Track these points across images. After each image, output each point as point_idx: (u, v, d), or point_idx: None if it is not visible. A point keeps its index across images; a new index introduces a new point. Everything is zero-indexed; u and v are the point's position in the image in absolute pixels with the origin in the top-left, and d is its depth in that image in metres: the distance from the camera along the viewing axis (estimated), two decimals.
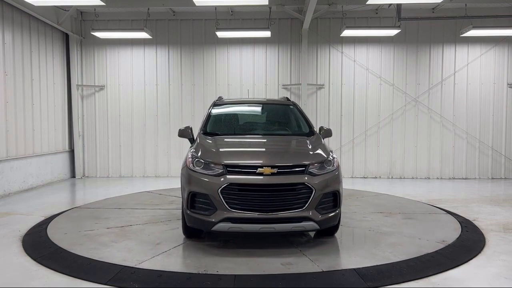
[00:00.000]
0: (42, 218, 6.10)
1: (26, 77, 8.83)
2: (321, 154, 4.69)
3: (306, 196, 4.30)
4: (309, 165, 4.44)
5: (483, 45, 10.42)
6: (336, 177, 4.59)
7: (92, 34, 9.88)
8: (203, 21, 10.55)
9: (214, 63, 10.69)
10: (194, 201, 4.43)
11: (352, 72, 10.59)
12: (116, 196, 7.91)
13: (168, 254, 4.43)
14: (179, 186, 8.80)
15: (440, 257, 4.35)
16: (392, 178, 10.60)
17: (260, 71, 10.67)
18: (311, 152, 4.73)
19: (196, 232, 4.89)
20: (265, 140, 5.25)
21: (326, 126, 5.90)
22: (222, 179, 4.28)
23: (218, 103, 6.15)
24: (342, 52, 10.56)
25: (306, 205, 4.29)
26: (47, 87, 9.66)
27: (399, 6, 9.13)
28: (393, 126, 10.60)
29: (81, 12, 10.55)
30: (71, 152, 10.70)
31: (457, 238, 4.98)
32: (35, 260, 4.31)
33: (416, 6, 9.95)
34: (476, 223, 5.86)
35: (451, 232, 5.26)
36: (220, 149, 4.71)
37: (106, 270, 3.96)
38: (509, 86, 10.50)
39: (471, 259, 4.35)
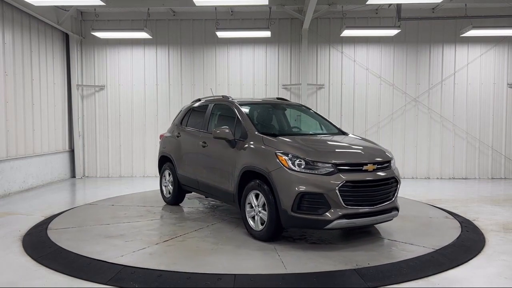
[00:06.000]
0: (42, 218, 6.09)
1: (26, 77, 8.83)
2: (388, 150, 5.19)
3: (394, 188, 4.82)
4: (391, 160, 4.94)
5: (483, 45, 10.42)
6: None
7: (92, 34, 9.88)
8: (203, 21, 10.55)
9: (214, 63, 10.69)
10: (302, 201, 4.41)
11: (352, 72, 10.59)
12: (75, 207, 6.81)
13: (296, 256, 4.32)
14: (128, 192, 8.08)
15: (440, 257, 4.35)
16: None
17: (260, 71, 10.67)
18: (383, 149, 5.17)
19: (276, 234, 4.78)
20: (337, 139, 5.36)
21: None
22: (337, 177, 4.39)
23: (239, 103, 5.82)
24: (342, 52, 10.56)
25: (394, 197, 4.82)
26: (47, 87, 9.67)
27: (399, 6, 9.12)
28: (393, 126, 10.60)
29: (81, 12, 10.55)
30: (71, 152, 10.70)
31: (457, 238, 4.98)
32: (35, 260, 4.31)
33: (416, 6, 9.95)
34: (476, 223, 5.87)
35: (451, 232, 5.26)
36: (319, 149, 4.76)
37: (106, 270, 3.96)
38: (509, 86, 10.50)
39: (471, 259, 4.36)
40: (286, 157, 4.57)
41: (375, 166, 4.66)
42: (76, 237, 5.05)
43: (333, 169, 4.44)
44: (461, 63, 10.49)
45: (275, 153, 4.67)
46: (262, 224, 4.83)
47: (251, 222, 4.99)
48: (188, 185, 6.45)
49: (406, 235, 5.13)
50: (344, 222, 4.38)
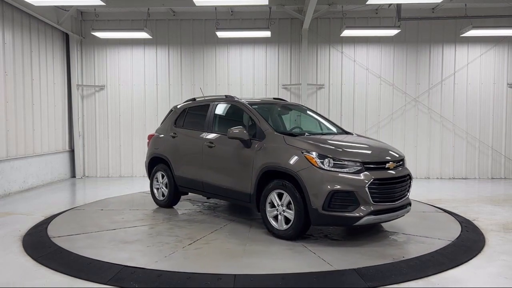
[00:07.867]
0: (42, 218, 6.09)
1: (26, 77, 8.83)
2: (396, 149, 5.36)
3: (409, 184, 5.05)
4: (404, 158, 5.17)
5: (483, 45, 10.42)
6: None
7: (92, 34, 9.89)
8: (203, 21, 10.55)
9: (214, 63, 10.69)
10: (333, 199, 4.47)
11: (352, 72, 10.59)
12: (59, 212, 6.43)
13: (330, 253, 4.39)
14: (117, 194, 7.90)
15: (440, 257, 4.35)
16: None
17: (260, 71, 10.67)
18: (392, 147, 5.34)
19: (303, 233, 4.83)
20: (351, 139, 5.47)
21: None
22: (366, 175, 4.53)
23: (248, 102, 5.74)
24: (342, 52, 10.56)
25: (409, 193, 5.06)
26: (47, 87, 9.67)
27: (399, 6, 9.12)
28: (393, 126, 10.61)
29: (81, 12, 10.55)
30: (71, 152, 10.70)
31: (457, 238, 4.98)
32: (35, 260, 4.31)
33: (416, 6, 9.95)
34: (476, 223, 5.87)
35: (451, 232, 5.26)
36: (345, 148, 4.82)
37: (106, 270, 3.96)
38: (509, 86, 10.50)
39: (471, 259, 4.36)
40: (314, 156, 4.61)
41: (395, 164, 4.85)
42: (91, 244, 4.74)
43: (361, 168, 4.57)
44: (461, 63, 10.49)
45: (302, 152, 4.69)
46: (286, 223, 4.83)
47: (273, 222, 4.96)
48: (189, 187, 6.24)
49: (414, 229, 5.33)
50: (371, 218, 4.51)
